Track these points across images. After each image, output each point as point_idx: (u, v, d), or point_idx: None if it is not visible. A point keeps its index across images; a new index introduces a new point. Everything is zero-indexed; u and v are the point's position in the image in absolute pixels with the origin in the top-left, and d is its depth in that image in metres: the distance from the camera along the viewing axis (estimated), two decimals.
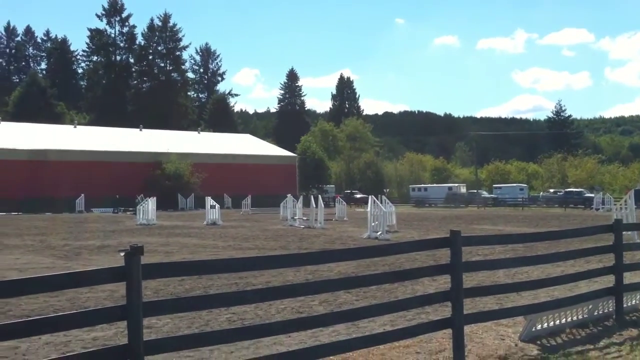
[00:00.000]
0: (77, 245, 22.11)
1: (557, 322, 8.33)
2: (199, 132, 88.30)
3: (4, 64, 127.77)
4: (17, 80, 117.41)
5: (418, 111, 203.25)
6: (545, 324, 8.17)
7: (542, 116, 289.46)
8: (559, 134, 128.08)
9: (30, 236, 26.68)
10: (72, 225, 35.44)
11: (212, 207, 36.22)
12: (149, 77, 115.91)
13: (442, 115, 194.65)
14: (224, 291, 11.32)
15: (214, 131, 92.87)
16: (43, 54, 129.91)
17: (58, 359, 5.51)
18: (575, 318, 8.59)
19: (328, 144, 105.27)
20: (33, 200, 56.68)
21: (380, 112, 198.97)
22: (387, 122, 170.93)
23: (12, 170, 58.19)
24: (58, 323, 5.06)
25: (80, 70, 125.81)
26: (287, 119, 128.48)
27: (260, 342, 7.83)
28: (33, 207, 54.99)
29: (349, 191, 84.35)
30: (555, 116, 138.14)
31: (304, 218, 33.56)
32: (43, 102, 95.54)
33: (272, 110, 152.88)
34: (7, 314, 9.93)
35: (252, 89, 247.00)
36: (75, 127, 78.58)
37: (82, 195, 56.90)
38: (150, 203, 36.35)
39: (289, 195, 39.06)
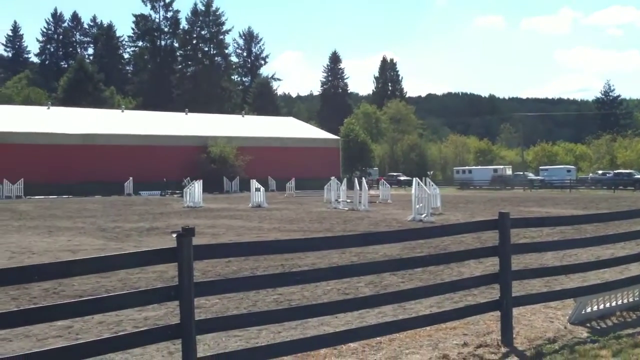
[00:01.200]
0: (127, 227, 22.57)
1: (607, 304, 8.20)
2: (242, 116, 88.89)
3: (52, 50, 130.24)
4: (65, 65, 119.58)
5: (462, 92, 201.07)
6: (595, 307, 8.06)
7: (589, 97, 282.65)
8: (608, 115, 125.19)
9: (81, 218, 27.32)
10: (121, 207, 36.18)
11: (257, 189, 36.50)
12: (194, 62, 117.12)
13: (487, 96, 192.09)
14: (272, 272, 11.42)
15: (258, 114, 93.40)
16: (90, 39, 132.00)
17: (113, 338, 5.67)
18: (625, 301, 8.44)
19: (371, 127, 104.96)
20: (82, 183, 58.00)
21: (423, 94, 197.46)
22: (430, 104, 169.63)
23: (62, 154, 59.57)
24: (113, 302, 5.19)
25: (126, 56, 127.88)
26: (330, 102, 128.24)
27: (307, 323, 7.90)
28: (83, 190, 56.28)
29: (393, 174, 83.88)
30: (603, 96, 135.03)
31: (348, 200, 33.58)
32: (91, 87, 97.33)
33: (315, 93, 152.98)
34: (60, 294, 10.21)
35: (294, 72, 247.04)
36: (122, 111, 79.90)
37: (130, 178, 58.01)
38: (197, 186, 36.83)
39: (332, 177, 39.09)
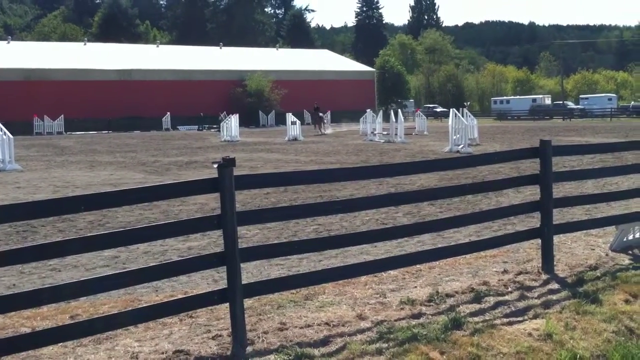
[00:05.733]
0: (167, 162, 22.89)
1: None
2: (277, 49, 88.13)
3: None
4: (99, 1, 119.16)
5: (500, 20, 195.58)
6: (637, 234, 7.99)
7: (632, 22, 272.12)
8: None
9: (122, 153, 27.76)
10: (160, 142, 36.62)
11: (293, 123, 36.50)
12: None
13: (526, 24, 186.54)
14: (314, 202, 11.51)
15: (292, 48, 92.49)
16: None
17: (160, 265, 5.83)
18: None
19: (407, 58, 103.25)
20: (121, 119, 58.63)
21: (460, 23, 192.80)
22: (467, 33, 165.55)
23: (100, 90, 60.08)
24: (160, 231, 5.30)
25: None
26: (365, 34, 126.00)
27: (347, 252, 8.01)
28: (121, 125, 56.98)
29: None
30: None
31: (384, 133, 33.41)
32: (125, 22, 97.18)
33: (349, 24, 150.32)
34: (105, 225, 10.48)
35: (328, 3, 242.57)
36: (158, 46, 79.84)
37: (168, 113, 58.42)
38: (233, 120, 36.97)
39: (368, 110, 38.83)
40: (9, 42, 70.61)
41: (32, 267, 7.74)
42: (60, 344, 4.98)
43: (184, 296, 5.81)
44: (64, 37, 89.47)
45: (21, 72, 58.64)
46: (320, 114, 44.94)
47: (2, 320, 5.74)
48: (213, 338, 5.17)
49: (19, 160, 22.36)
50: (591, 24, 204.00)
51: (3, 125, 22.07)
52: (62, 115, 54.06)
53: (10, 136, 21.38)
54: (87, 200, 5.15)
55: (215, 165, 5.04)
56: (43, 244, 5.18)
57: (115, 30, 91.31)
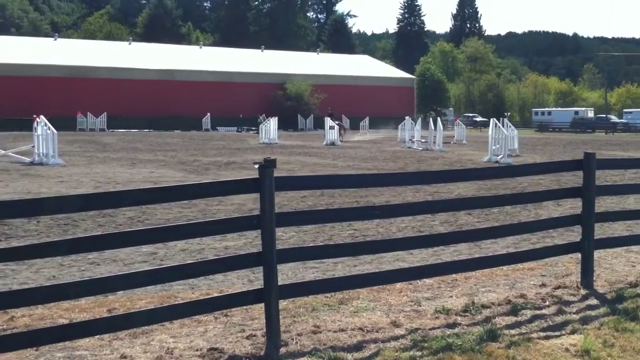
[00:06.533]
0: (206, 162, 23.10)
1: None
2: (317, 54, 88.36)
3: None
4: (145, 1, 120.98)
5: (544, 31, 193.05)
6: None
7: None
8: None
9: (162, 152, 28.09)
10: (199, 142, 36.95)
11: (331, 127, 36.51)
12: None
13: (570, 35, 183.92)
14: (352, 206, 11.49)
15: (333, 52, 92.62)
16: None
17: (198, 263, 5.89)
18: None
19: (447, 66, 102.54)
20: (162, 118, 59.36)
21: (503, 32, 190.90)
22: (510, 43, 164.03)
23: (142, 89, 60.96)
24: (200, 229, 5.36)
25: None
26: (406, 40, 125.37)
27: (382, 258, 7.99)
28: (162, 124, 57.68)
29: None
30: None
31: (422, 140, 33.23)
32: (169, 23, 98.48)
33: (391, 31, 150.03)
34: (144, 222, 10.62)
35: (370, 9, 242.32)
36: (200, 47, 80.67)
37: (208, 114, 58.97)
38: (272, 123, 37.16)
39: (407, 117, 38.65)
40: (55, 39, 72.11)
41: (71, 259, 7.89)
42: (97, 336, 5.06)
43: (220, 295, 5.87)
44: (109, 36, 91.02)
45: (67, 69, 59.81)
46: (337, 121, 40.34)
47: (41, 311, 5.86)
48: (247, 337, 5.20)
49: (61, 155, 22.78)
50: (637, 37, 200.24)
51: (48, 120, 22.51)
52: (105, 113, 54.94)
53: (55, 131, 21.80)
54: (132, 196, 5.14)
55: (257, 166, 5.07)
56: (83, 237, 5.28)
57: (159, 30, 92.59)
